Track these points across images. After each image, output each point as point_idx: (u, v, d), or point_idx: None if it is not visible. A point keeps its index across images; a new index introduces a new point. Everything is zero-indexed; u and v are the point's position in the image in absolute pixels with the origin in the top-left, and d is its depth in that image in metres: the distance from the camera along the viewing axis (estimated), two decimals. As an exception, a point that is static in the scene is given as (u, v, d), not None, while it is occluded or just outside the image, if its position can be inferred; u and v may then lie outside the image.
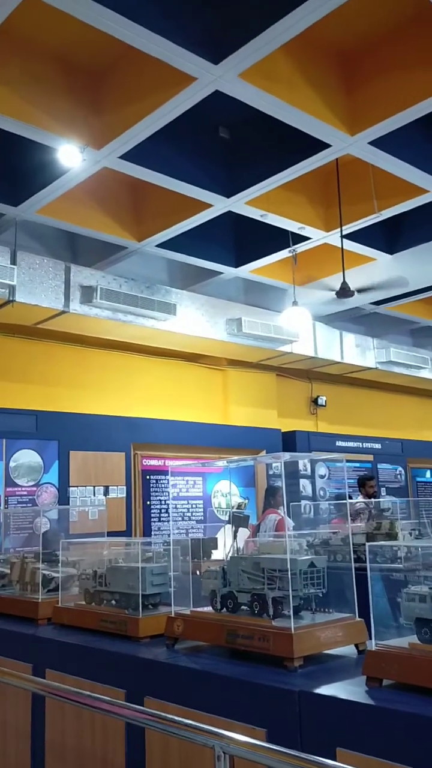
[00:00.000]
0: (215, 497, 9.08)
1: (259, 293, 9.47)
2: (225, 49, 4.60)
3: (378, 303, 9.88)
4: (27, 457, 7.64)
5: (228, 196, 6.55)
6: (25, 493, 7.57)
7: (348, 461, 10.65)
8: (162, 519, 8.65)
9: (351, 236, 7.49)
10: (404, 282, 8.77)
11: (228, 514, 3.48)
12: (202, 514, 8.88)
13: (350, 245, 7.63)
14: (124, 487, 8.32)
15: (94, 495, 8.06)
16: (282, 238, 7.76)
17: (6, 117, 5.23)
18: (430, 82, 5.03)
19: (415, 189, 6.57)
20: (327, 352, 10.24)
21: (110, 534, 6.95)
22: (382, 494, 10.64)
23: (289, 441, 10.05)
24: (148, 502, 8.54)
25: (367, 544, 2.47)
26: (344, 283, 7.18)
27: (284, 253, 8.05)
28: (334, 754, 2.05)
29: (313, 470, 10.04)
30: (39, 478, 7.71)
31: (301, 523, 6.64)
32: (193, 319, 8.59)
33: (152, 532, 8.41)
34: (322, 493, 9.99)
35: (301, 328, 9.47)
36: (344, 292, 7.19)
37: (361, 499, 7.67)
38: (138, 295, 7.89)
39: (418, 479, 12.05)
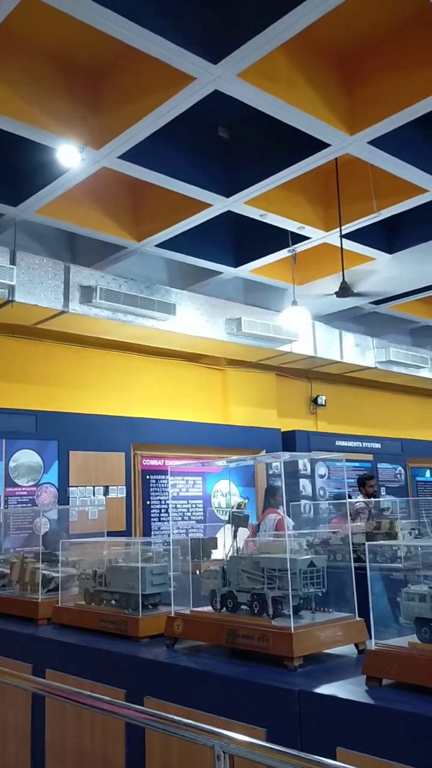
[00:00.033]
0: (215, 497, 9.08)
1: (259, 293, 9.47)
2: (224, 49, 4.60)
3: (378, 302, 9.88)
4: (27, 457, 7.64)
5: (227, 196, 6.55)
6: (25, 493, 7.57)
7: (348, 461, 10.64)
8: (162, 519, 8.65)
9: (350, 236, 7.49)
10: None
11: (228, 513, 3.47)
12: (201, 514, 8.88)
13: (350, 245, 7.63)
14: (124, 487, 8.32)
15: (94, 495, 8.05)
16: (281, 238, 7.76)
17: (5, 117, 5.23)
18: (430, 82, 5.03)
19: (414, 188, 6.58)
20: (326, 352, 10.24)
21: (110, 534, 6.95)
22: (382, 494, 10.63)
23: (289, 441, 10.05)
24: (148, 502, 8.54)
25: (367, 543, 2.47)
26: (344, 282, 7.18)
27: (284, 253, 8.05)
28: (334, 753, 2.05)
29: (312, 470, 10.04)
30: (39, 478, 7.70)
31: (301, 523, 6.63)
32: (193, 319, 8.59)
33: (152, 532, 8.41)
34: (321, 492, 9.99)
35: (301, 327, 9.48)
36: (344, 291, 7.19)
37: (360, 498, 7.66)
38: (138, 295, 7.89)
39: (418, 479, 12.05)
